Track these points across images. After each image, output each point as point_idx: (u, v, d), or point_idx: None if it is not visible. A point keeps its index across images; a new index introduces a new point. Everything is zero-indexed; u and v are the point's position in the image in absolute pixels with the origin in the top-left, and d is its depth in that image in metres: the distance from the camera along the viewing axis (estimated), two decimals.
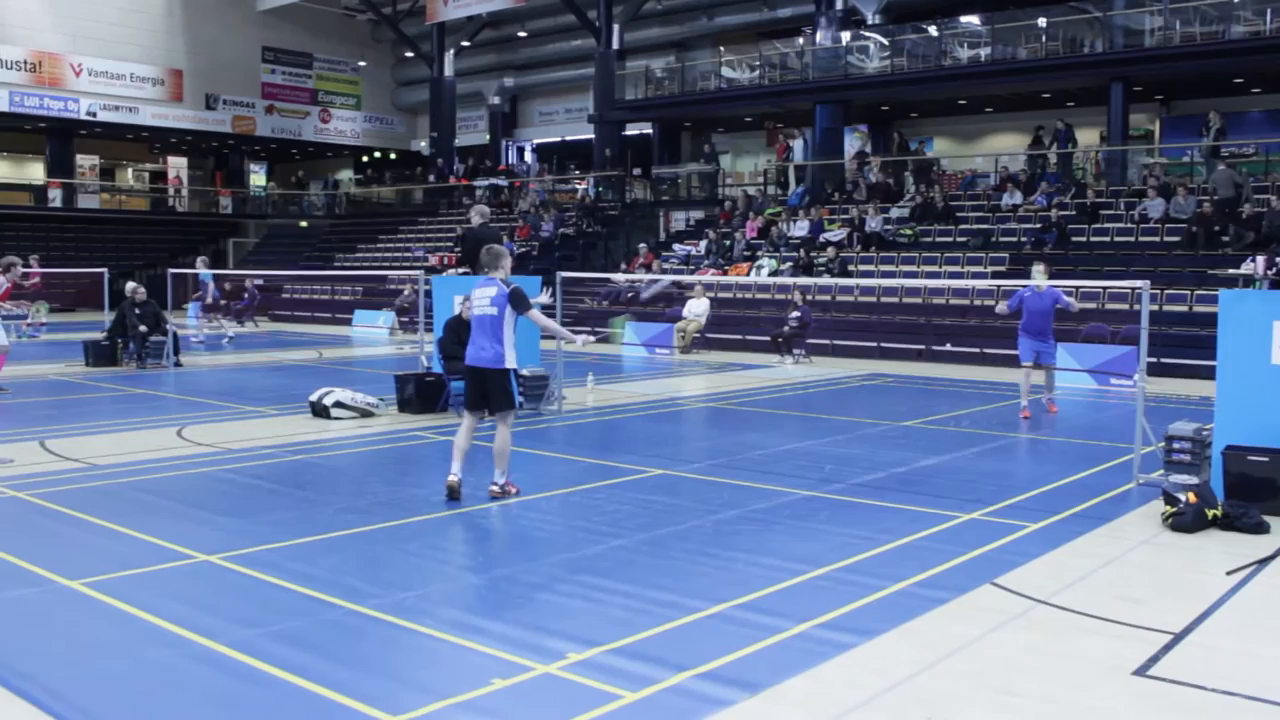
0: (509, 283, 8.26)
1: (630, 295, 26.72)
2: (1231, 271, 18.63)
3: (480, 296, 8.21)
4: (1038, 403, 13.65)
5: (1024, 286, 13.28)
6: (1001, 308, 13.54)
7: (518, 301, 8.11)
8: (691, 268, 26.84)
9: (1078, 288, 19.90)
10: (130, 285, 19.41)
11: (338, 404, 12.74)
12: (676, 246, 29.26)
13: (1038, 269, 13.19)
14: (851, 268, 24.33)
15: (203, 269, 25.74)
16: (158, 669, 4.95)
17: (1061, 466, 10.07)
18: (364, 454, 10.90)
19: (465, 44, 42.40)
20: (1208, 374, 10.16)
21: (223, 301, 27.79)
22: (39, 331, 25.92)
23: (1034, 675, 4.90)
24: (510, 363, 8.16)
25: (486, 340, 8.13)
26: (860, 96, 29.69)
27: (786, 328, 20.97)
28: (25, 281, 25.76)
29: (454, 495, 8.16)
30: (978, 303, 21.59)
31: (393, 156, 50.03)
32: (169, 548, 6.92)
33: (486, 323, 8.14)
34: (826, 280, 22.99)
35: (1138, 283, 9.81)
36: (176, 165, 46.22)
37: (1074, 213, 23.79)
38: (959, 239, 24.56)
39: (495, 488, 8.36)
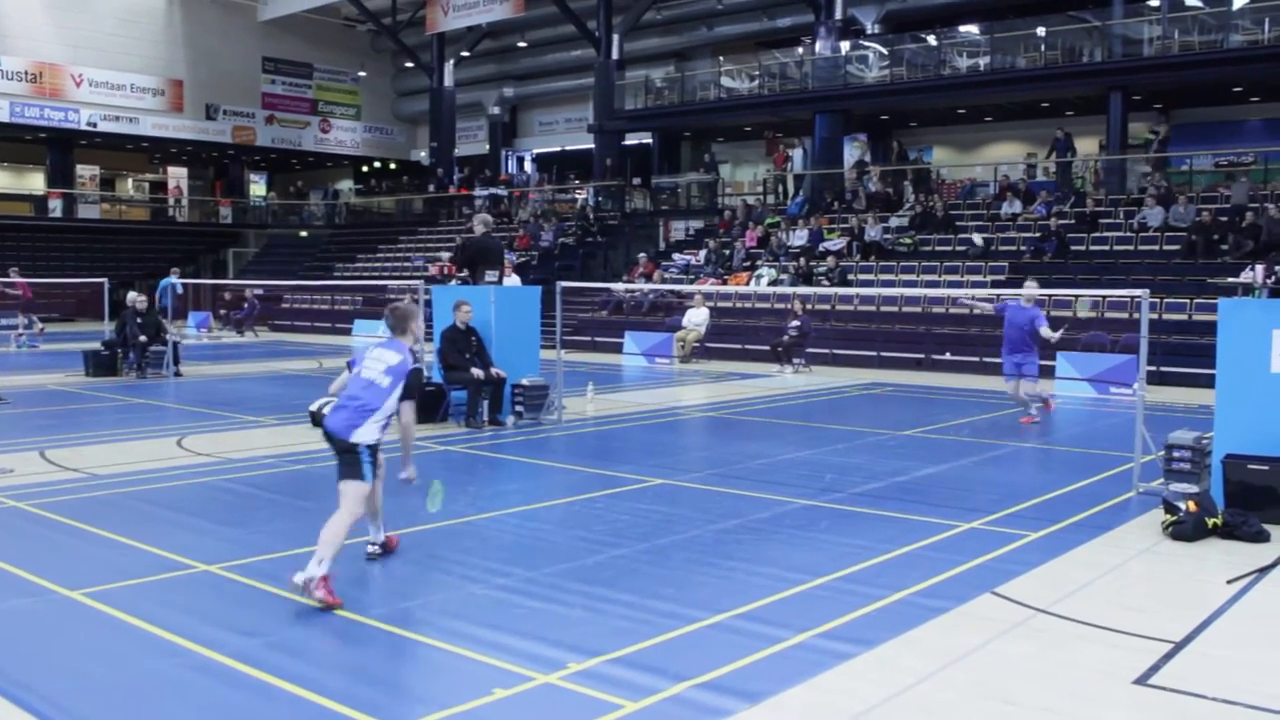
0: (415, 359, 6.81)
1: (631, 305, 26.75)
2: (1231, 280, 18.63)
3: (380, 358, 6.64)
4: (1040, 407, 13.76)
5: (1014, 299, 13.54)
6: (986, 307, 13.71)
7: (410, 389, 6.61)
8: (691, 277, 26.86)
9: (1077, 296, 20.04)
10: (131, 295, 19.45)
11: None
12: (676, 256, 29.27)
13: (1029, 284, 13.36)
14: (851, 277, 24.34)
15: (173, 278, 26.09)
16: (157, 679, 4.95)
17: (1061, 475, 10.07)
18: None
19: (465, 54, 42.48)
20: (1207, 382, 10.15)
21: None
22: (37, 342, 25.94)
23: (1034, 684, 4.90)
24: (368, 437, 6.46)
25: (357, 403, 6.47)
26: (859, 106, 29.77)
27: (786, 337, 20.97)
28: (13, 291, 25.92)
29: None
30: (977, 311, 21.58)
31: (392, 166, 50.10)
32: (169, 557, 6.91)
33: (364, 387, 6.55)
34: (826, 289, 23.02)
35: (1137, 291, 9.82)
36: (177, 175, 46.30)
37: (1073, 222, 23.82)
38: (958, 248, 24.59)
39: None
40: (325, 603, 5.87)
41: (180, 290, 27.27)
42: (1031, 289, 13.33)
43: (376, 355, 6.68)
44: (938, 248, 24.95)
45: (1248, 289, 9.65)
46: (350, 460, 6.41)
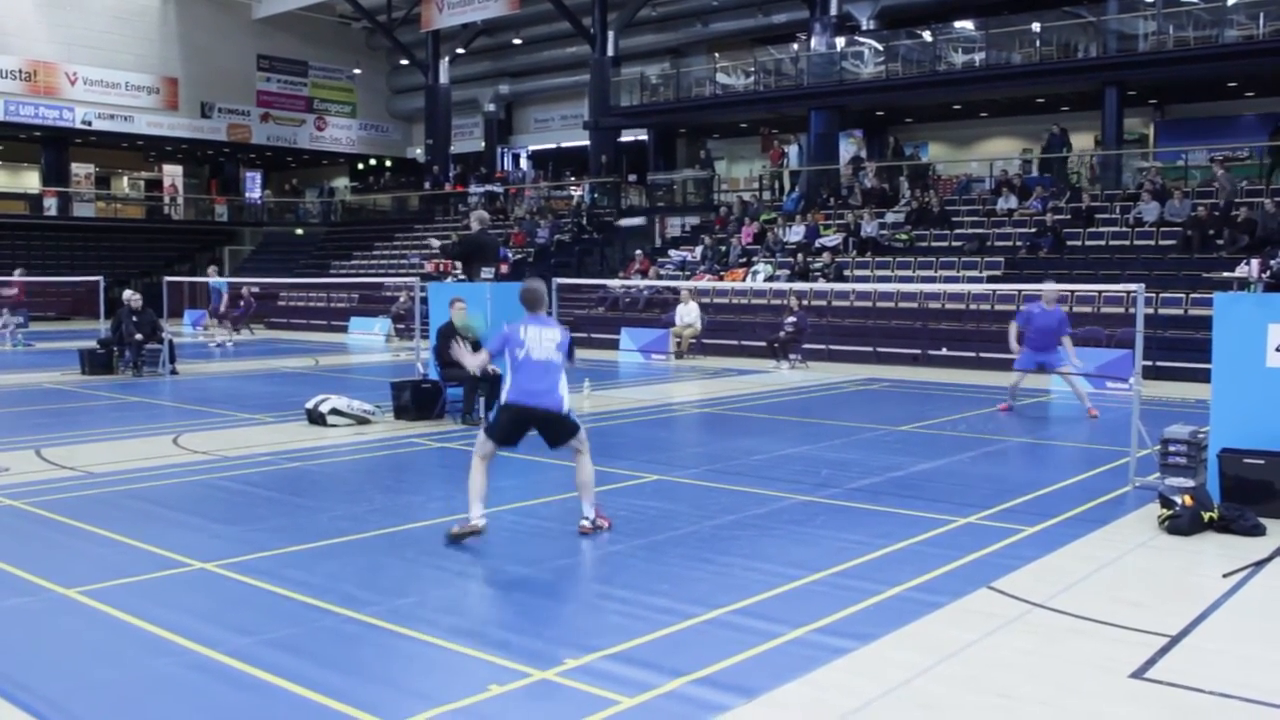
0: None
1: (627, 301, 26.74)
2: (1226, 274, 18.65)
3: (545, 338, 7.29)
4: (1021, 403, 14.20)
5: (1033, 303, 14.02)
6: (1013, 331, 14.03)
7: (571, 352, 7.55)
8: (687, 274, 26.86)
9: (1073, 291, 20.04)
10: (127, 293, 19.41)
11: (334, 411, 12.73)
12: (672, 252, 29.27)
13: (1049, 289, 13.73)
14: (847, 273, 24.34)
15: (215, 278, 26.32)
16: (154, 677, 4.94)
17: (1057, 470, 10.09)
18: (360, 461, 10.89)
19: (460, 51, 42.43)
20: (1203, 377, 10.16)
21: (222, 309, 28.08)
22: (31, 341, 25.90)
23: (1031, 679, 4.90)
24: (569, 403, 7.48)
25: (553, 382, 7.28)
26: (855, 102, 29.76)
27: (782, 333, 20.97)
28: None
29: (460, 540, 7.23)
30: (973, 307, 21.63)
31: (388, 164, 50.05)
32: (165, 556, 6.91)
33: (552, 368, 7.29)
34: (822, 285, 23.01)
35: (1133, 286, 9.84)
36: (172, 173, 46.19)
37: (1069, 217, 23.83)
38: (954, 243, 24.60)
39: (586, 523, 7.55)
40: (606, 523, 7.52)
41: (224, 289, 27.65)
42: (1051, 288, 13.71)
43: (537, 335, 7.31)
44: (934, 243, 24.96)
45: (1243, 283, 9.66)
46: (567, 425, 7.45)
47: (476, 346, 8.21)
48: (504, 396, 7.47)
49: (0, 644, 5.41)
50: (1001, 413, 13.81)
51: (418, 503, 8.53)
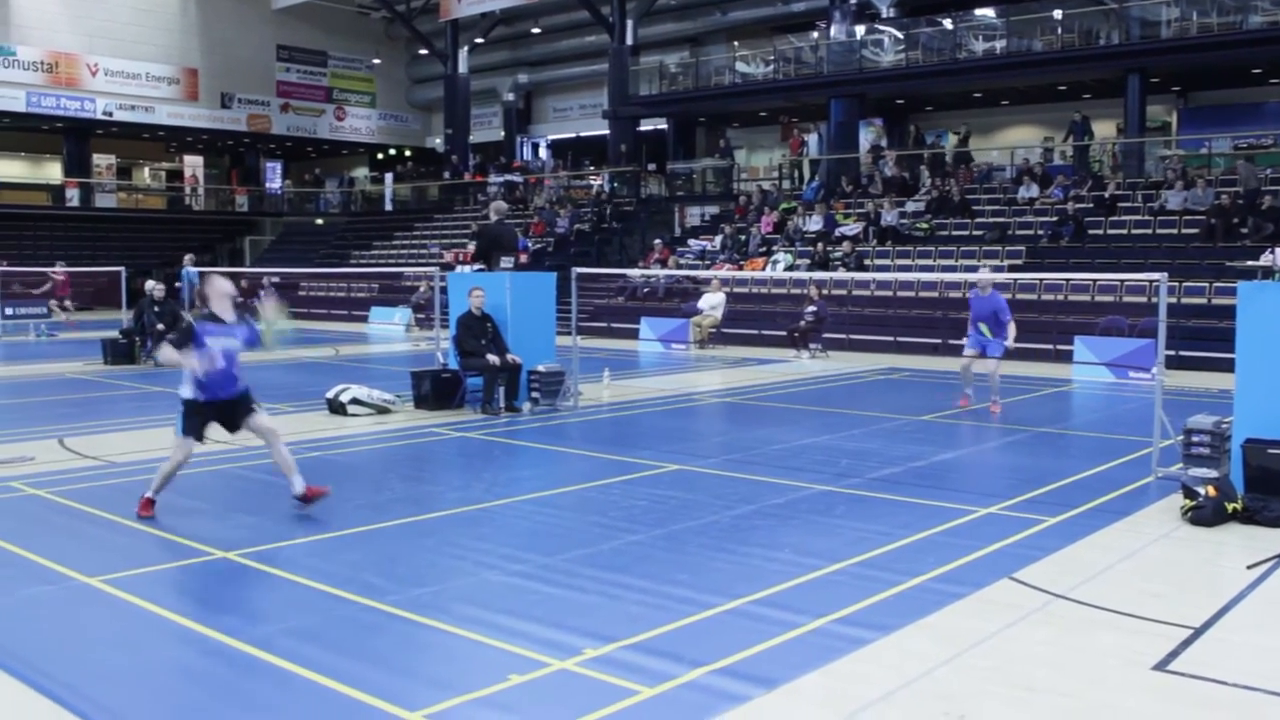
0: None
1: (646, 290, 26.72)
2: (1250, 263, 18.50)
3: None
4: (980, 391, 13.51)
5: (972, 290, 13.41)
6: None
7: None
8: (707, 263, 26.82)
9: (1095, 280, 19.92)
10: (149, 284, 19.52)
11: (354, 401, 12.77)
12: (692, 242, 29.23)
13: (983, 277, 13.13)
14: (867, 262, 24.26)
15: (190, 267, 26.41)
16: (175, 665, 4.98)
17: (1079, 460, 10.02)
18: (380, 450, 10.93)
19: (479, 41, 42.42)
20: (1227, 366, 10.06)
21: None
22: (56, 330, 26.13)
23: (1052, 670, 4.88)
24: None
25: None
26: (875, 90, 29.63)
27: (803, 322, 20.92)
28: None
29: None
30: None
31: (408, 154, 50.13)
32: (186, 545, 6.95)
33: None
34: (842, 274, 22.95)
35: (1155, 275, 9.74)
36: (193, 164, 46.38)
37: (1091, 205, 23.67)
38: (975, 232, 24.47)
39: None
40: (313, 493, 7.82)
41: (196, 280, 27.56)
42: (985, 275, 13.20)
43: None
44: (954, 232, 24.84)
45: (1267, 272, 9.58)
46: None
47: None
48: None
49: (24, 631, 5.45)
50: (961, 407, 13.26)
51: (437, 492, 8.55)
